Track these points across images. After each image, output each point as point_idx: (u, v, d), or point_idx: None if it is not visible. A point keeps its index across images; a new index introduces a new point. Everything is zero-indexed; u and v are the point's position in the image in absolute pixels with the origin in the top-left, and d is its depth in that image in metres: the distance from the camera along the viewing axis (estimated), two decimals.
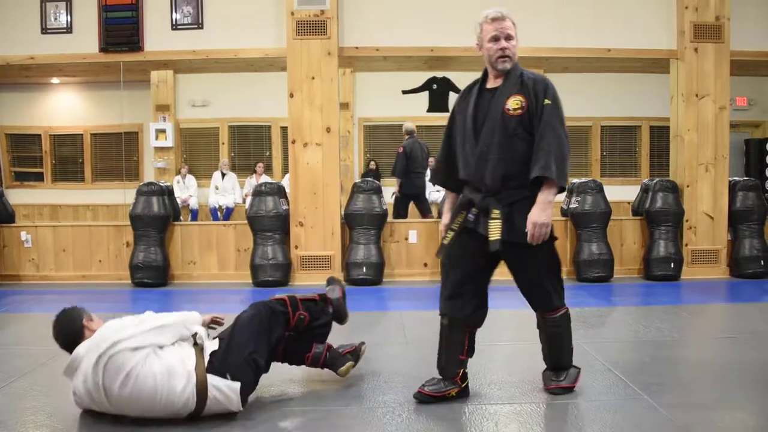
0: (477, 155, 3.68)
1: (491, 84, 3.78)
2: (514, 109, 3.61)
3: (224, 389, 3.47)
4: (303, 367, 4.06)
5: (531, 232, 3.51)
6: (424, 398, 3.79)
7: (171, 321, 3.59)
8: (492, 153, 3.64)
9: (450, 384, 3.82)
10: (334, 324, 4.21)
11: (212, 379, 3.45)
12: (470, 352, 3.87)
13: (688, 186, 8.31)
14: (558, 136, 3.54)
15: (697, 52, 8.23)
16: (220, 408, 3.49)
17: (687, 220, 8.32)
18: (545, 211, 3.52)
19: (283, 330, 3.83)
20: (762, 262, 8.28)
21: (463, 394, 3.85)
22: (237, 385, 3.48)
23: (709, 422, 3.48)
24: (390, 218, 8.48)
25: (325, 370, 4.08)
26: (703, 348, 5.25)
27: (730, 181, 8.45)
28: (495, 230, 3.57)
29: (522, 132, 3.61)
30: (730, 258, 8.44)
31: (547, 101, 3.58)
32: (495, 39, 3.71)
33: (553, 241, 3.68)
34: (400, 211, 10.67)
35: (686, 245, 8.35)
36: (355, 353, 4.16)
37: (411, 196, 10.63)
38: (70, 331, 3.55)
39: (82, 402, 3.50)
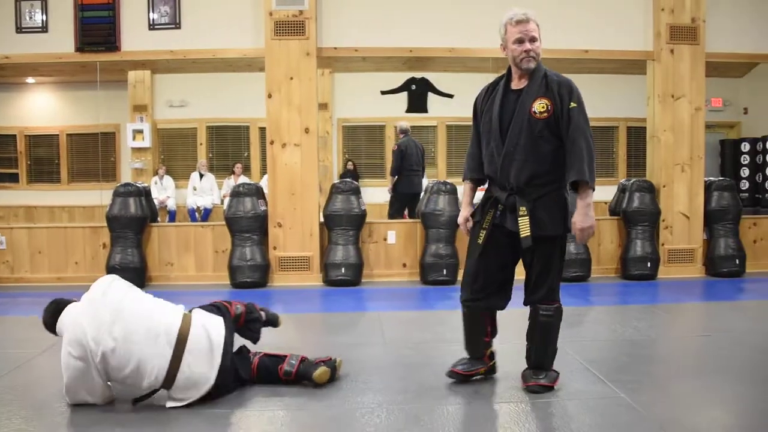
0: (503, 155, 3.83)
1: (516, 85, 3.91)
2: (540, 113, 3.76)
3: (209, 325, 3.74)
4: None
5: (579, 236, 3.76)
6: (456, 377, 4.08)
7: None
8: (518, 154, 3.79)
9: (478, 363, 4.12)
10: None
11: (199, 313, 3.82)
12: (494, 333, 4.12)
13: (664, 186, 8.39)
14: (587, 139, 3.73)
15: (673, 54, 8.31)
16: (201, 350, 3.65)
17: (663, 220, 8.39)
18: (588, 215, 3.75)
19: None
20: (737, 261, 8.36)
21: (491, 371, 4.18)
22: (220, 322, 3.78)
23: (685, 420, 3.51)
24: (372, 218, 8.47)
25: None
26: (680, 346, 5.29)
27: (705, 181, 8.53)
28: (525, 227, 3.75)
29: (548, 134, 3.77)
30: (705, 257, 8.52)
31: (573, 104, 3.73)
32: (520, 41, 3.81)
33: (566, 239, 3.90)
34: (398, 210, 10.50)
35: (663, 245, 8.42)
36: (330, 363, 4.14)
37: (408, 195, 10.34)
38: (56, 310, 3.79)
39: (79, 361, 3.55)
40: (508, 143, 3.81)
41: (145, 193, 8.23)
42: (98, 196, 10.31)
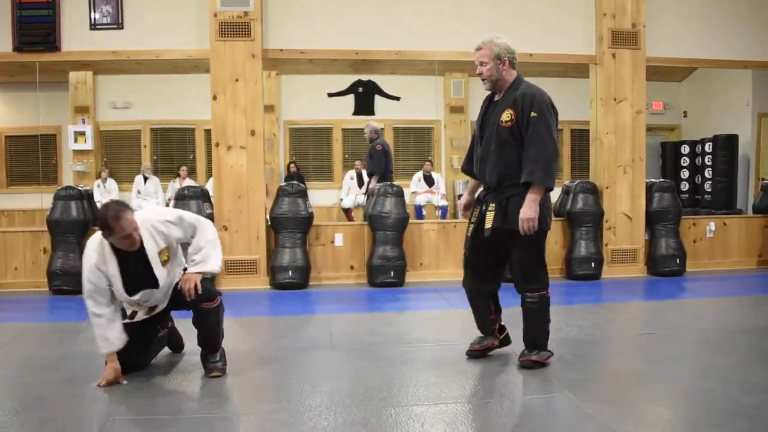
0: (480, 158, 4.45)
1: (497, 97, 4.46)
2: (505, 122, 4.29)
3: None
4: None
5: (521, 225, 4.17)
6: (475, 354, 4.65)
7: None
8: (490, 158, 4.36)
9: (491, 337, 4.68)
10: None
11: None
12: (497, 310, 4.66)
13: (607, 188, 8.54)
14: (542, 144, 4.18)
15: (615, 58, 8.47)
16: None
17: (606, 221, 8.54)
18: (531, 208, 4.16)
19: None
20: (677, 260, 8.56)
21: (505, 342, 4.74)
22: None
23: (630, 416, 3.57)
24: (320, 221, 8.44)
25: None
26: (624, 344, 5.39)
27: (647, 183, 8.71)
28: (489, 220, 4.31)
29: (512, 141, 4.27)
30: (647, 257, 8.70)
31: (533, 114, 4.21)
32: (479, 64, 4.41)
33: (542, 232, 4.30)
34: None
35: (606, 245, 8.57)
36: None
37: None
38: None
39: None
40: (483, 148, 4.42)
41: (88, 196, 8.06)
42: (39, 200, 10.05)
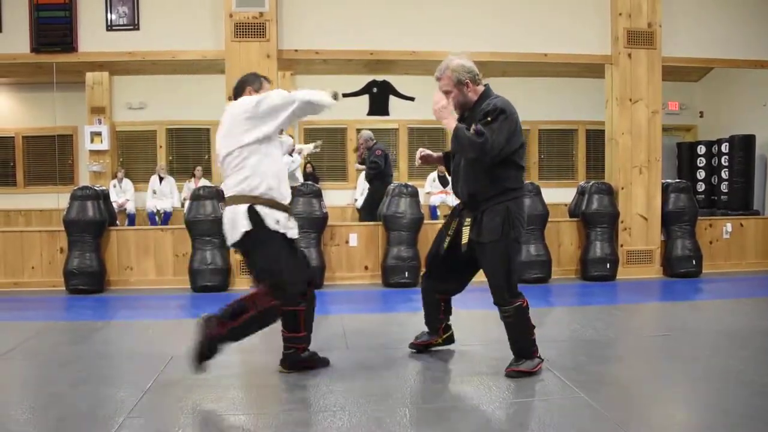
0: (453, 173, 4.49)
1: (466, 113, 4.39)
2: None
3: None
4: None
5: (433, 108, 4.24)
6: (415, 347, 4.84)
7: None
8: (461, 173, 4.37)
9: (434, 335, 4.81)
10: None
11: None
12: (447, 312, 4.79)
13: (622, 188, 8.51)
14: (470, 139, 4.06)
15: (631, 58, 8.44)
16: None
17: (622, 222, 8.51)
18: (446, 119, 4.20)
19: None
20: (693, 261, 8.51)
21: (448, 341, 4.89)
22: None
23: (644, 418, 3.56)
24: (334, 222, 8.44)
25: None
26: (638, 346, 5.37)
27: (662, 184, 8.67)
28: (465, 235, 4.30)
29: None
30: (663, 258, 8.66)
31: (487, 119, 4.08)
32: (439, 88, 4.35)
33: (511, 243, 4.24)
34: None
35: (621, 246, 8.53)
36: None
37: None
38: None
39: None
40: (454, 164, 4.45)
41: (104, 196, 8.11)
42: (55, 200, 10.13)
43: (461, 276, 4.59)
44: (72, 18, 7.96)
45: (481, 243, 4.23)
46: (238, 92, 4.43)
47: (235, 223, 4.08)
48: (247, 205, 4.06)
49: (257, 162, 4.11)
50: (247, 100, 4.22)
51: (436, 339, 4.83)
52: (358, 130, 12.45)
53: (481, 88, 4.36)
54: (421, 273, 4.84)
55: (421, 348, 4.83)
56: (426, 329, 4.84)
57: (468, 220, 4.30)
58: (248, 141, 4.10)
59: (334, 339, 5.44)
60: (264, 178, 4.11)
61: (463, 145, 4.09)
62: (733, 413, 3.56)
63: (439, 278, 4.62)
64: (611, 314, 6.51)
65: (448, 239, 4.51)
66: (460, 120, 4.31)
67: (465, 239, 4.29)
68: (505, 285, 4.24)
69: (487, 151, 4.03)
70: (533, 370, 4.28)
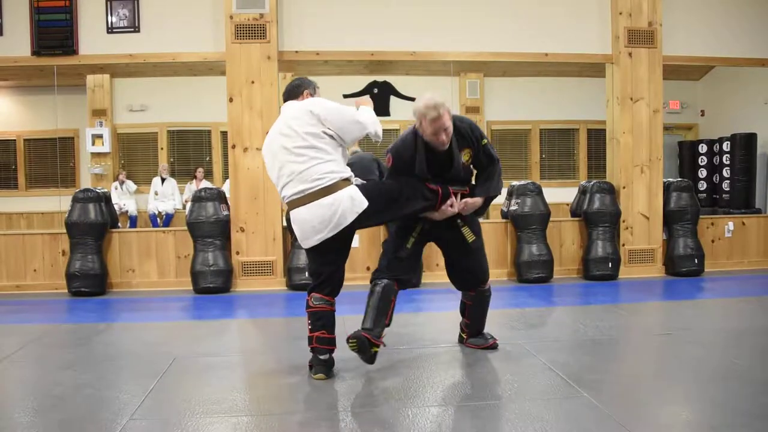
0: (436, 179, 4.54)
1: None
2: (467, 161, 4.56)
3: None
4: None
5: (461, 208, 4.56)
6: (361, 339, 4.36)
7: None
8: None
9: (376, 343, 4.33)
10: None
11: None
12: (390, 319, 4.50)
13: (624, 187, 8.50)
14: (497, 162, 4.67)
15: (632, 57, 8.43)
16: None
17: (624, 221, 8.51)
18: (474, 205, 4.62)
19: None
20: (695, 260, 8.50)
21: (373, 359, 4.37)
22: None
23: (647, 417, 3.55)
24: None
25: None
26: (641, 345, 5.36)
27: (664, 182, 8.66)
28: (469, 235, 4.67)
29: (468, 169, 4.65)
30: (665, 257, 8.65)
31: (483, 141, 4.55)
32: (435, 134, 4.29)
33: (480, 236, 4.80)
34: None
35: (623, 245, 8.53)
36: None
37: None
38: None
39: None
40: (436, 170, 4.56)
41: (105, 198, 8.12)
42: (57, 202, 10.14)
43: (417, 268, 4.93)
44: (72, 21, 7.96)
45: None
46: (293, 95, 4.60)
47: (344, 208, 4.15)
48: (352, 185, 4.21)
49: (342, 152, 4.32)
50: (325, 101, 4.42)
51: (376, 347, 4.34)
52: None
53: None
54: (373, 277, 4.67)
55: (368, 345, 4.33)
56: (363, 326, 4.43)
57: (459, 221, 4.64)
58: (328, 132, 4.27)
59: (336, 339, 5.43)
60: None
61: (499, 187, 4.69)
62: (739, 412, 3.55)
63: (404, 277, 4.61)
64: (614, 313, 6.49)
65: (412, 239, 4.64)
66: (428, 152, 4.44)
67: (470, 238, 4.67)
68: (486, 267, 4.81)
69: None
70: (493, 342, 4.93)
